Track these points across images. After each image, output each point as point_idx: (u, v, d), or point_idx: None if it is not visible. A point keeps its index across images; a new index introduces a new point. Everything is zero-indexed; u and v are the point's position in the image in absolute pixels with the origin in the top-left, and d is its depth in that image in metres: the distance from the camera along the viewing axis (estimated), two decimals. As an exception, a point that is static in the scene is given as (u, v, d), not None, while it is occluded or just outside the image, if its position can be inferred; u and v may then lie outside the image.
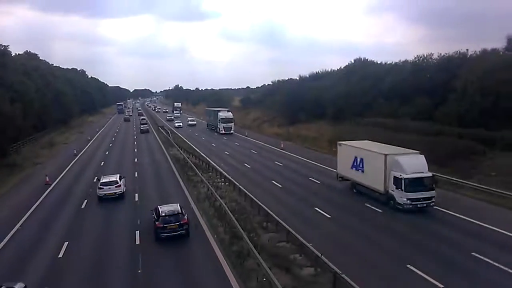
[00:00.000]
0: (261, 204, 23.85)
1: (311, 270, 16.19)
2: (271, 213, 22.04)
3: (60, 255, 18.89)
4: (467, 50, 47.49)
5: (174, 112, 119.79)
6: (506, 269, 15.76)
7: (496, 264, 16.17)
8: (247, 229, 20.32)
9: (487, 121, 35.56)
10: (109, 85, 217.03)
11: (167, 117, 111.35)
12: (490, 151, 32.41)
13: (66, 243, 20.13)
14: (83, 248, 19.86)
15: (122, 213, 25.62)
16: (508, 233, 19.53)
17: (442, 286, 14.70)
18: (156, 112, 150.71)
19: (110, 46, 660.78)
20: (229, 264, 17.21)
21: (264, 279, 15.11)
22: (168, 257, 18.41)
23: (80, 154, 50.55)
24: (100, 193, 27.78)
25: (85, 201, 28.20)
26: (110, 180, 28.54)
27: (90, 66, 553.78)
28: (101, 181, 28.46)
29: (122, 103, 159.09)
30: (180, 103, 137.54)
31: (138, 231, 21.32)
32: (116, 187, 28.03)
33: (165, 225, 19.67)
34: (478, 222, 21.20)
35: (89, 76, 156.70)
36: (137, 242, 20.20)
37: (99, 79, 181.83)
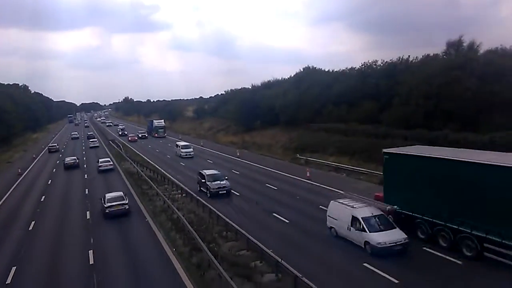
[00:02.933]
0: (220, 214, 23.75)
1: (272, 276, 16.32)
2: (230, 222, 22.00)
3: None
4: (408, 56, 50.23)
5: (158, 129, 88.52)
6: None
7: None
8: (207, 240, 20.15)
9: (430, 122, 37.64)
10: (54, 100, 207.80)
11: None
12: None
13: (13, 269, 18.93)
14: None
15: (74, 230, 24.58)
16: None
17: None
18: (107, 126, 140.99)
19: (54, 59, 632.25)
20: (189, 276, 16.94)
21: (226, 289, 15.05)
22: (121, 267, 17.83)
23: (25, 173, 47.84)
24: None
25: (33, 222, 26.79)
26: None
27: (33, 81, 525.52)
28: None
29: (72, 115, 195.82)
30: (163, 121, 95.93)
31: (91, 251, 20.58)
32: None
33: None
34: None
35: (32, 91, 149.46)
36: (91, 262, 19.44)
37: (43, 94, 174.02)
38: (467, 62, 38.51)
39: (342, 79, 57.30)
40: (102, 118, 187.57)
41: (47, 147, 71.73)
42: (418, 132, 37.09)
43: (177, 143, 59.38)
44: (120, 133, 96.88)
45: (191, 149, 54.84)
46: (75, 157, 51.65)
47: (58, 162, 56.44)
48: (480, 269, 15.78)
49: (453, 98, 36.08)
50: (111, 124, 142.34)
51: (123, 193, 28.44)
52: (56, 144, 73.35)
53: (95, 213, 27.83)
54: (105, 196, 27.20)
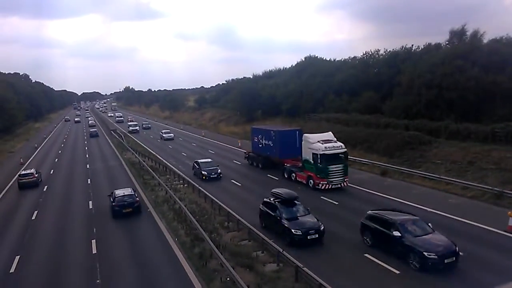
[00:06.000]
0: (221, 204, 23.87)
1: (273, 266, 16.46)
2: (232, 212, 22.12)
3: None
4: (412, 45, 49.94)
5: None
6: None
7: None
8: (209, 229, 20.28)
9: (432, 112, 37.56)
10: (56, 89, 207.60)
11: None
12: (435, 140, 34.23)
13: (17, 258, 19.17)
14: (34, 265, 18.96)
15: (76, 223, 24.77)
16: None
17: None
18: (117, 122, 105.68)
19: (55, 48, 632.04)
20: (191, 266, 17.10)
21: (228, 278, 15.19)
22: (124, 258, 18.01)
23: (27, 163, 47.98)
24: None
25: (36, 211, 27.00)
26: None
27: (34, 70, 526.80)
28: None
29: (76, 103, 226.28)
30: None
31: (94, 240, 20.79)
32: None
33: None
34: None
35: (33, 81, 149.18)
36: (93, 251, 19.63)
37: (44, 84, 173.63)
38: (471, 51, 38.22)
39: (344, 68, 57.10)
40: (109, 112, 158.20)
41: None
42: (420, 122, 37.05)
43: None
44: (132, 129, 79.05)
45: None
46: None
47: (60, 152, 56.65)
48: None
49: (455, 88, 35.94)
50: (121, 118, 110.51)
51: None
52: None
53: (98, 204, 27.91)
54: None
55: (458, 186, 26.00)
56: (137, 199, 25.54)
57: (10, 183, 37.31)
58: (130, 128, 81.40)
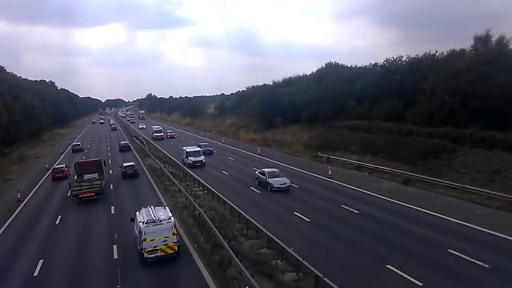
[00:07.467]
0: (241, 211, 23.86)
1: (293, 275, 16.29)
2: (251, 219, 22.07)
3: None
4: (436, 51, 48.94)
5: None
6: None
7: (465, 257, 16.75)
8: (228, 237, 20.28)
9: (456, 120, 36.71)
10: (80, 96, 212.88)
11: None
12: (460, 148, 33.40)
13: (41, 262, 19.59)
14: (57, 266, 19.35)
15: (100, 226, 25.22)
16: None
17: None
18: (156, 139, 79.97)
19: (80, 56, 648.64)
20: (210, 273, 17.10)
21: (247, 287, 15.11)
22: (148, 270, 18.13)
23: (47, 173, 49.16)
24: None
25: (59, 216, 27.60)
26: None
27: (60, 77, 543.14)
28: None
29: (101, 109, 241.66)
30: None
31: (115, 245, 21.00)
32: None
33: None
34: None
35: (59, 88, 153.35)
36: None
37: (69, 90, 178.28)
38: (496, 58, 37.28)
39: (365, 75, 56.44)
40: (138, 122, 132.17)
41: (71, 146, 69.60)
42: (443, 129, 36.25)
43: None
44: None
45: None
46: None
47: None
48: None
49: (480, 95, 35.04)
50: (161, 134, 79.34)
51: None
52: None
53: (119, 211, 28.24)
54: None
55: (483, 196, 25.25)
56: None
57: (36, 186, 38.26)
58: (155, 134, 77.50)
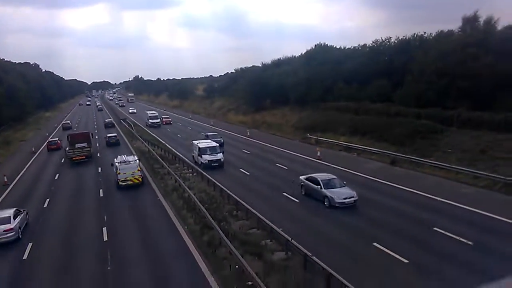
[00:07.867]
0: (230, 193, 23.93)
1: (282, 255, 16.49)
2: (240, 201, 22.17)
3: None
4: (424, 32, 48.94)
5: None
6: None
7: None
8: (218, 218, 20.37)
9: (443, 100, 36.94)
10: (65, 79, 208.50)
11: None
12: (447, 129, 33.73)
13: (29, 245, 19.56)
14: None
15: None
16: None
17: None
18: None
19: (65, 37, 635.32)
20: (200, 253, 17.23)
21: (237, 266, 15.25)
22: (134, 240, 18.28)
23: (39, 151, 48.55)
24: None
25: (48, 199, 27.45)
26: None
27: (45, 60, 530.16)
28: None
29: (87, 92, 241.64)
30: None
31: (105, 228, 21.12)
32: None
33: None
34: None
35: (44, 70, 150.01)
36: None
37: (54, 73, 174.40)
38: (484, 38, 37.40)
39: (354, 56, 56.33)
40: (129, 106, 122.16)
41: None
42: (431, 110, 36.52)
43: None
44: None
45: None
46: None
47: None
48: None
49: (468, 76, 35.22)
50: (158, 120, 72.07)
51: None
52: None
53: (107, 191, 28.45)
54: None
55: (469, 175, 25.69)
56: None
57: (24, 169, 37.84)
58: (150, 121, 68.39)
